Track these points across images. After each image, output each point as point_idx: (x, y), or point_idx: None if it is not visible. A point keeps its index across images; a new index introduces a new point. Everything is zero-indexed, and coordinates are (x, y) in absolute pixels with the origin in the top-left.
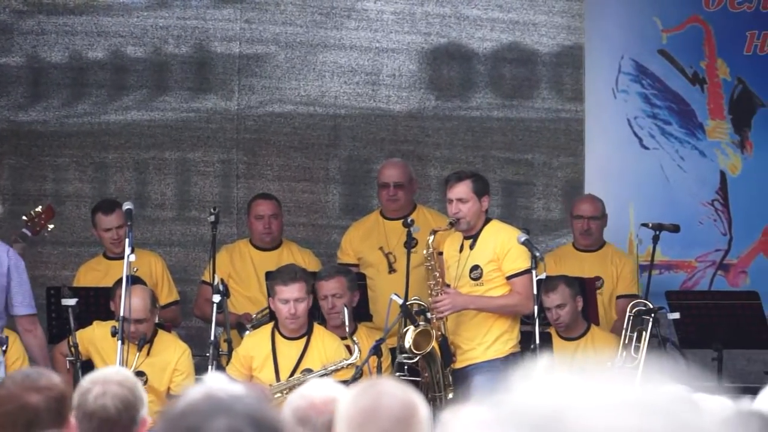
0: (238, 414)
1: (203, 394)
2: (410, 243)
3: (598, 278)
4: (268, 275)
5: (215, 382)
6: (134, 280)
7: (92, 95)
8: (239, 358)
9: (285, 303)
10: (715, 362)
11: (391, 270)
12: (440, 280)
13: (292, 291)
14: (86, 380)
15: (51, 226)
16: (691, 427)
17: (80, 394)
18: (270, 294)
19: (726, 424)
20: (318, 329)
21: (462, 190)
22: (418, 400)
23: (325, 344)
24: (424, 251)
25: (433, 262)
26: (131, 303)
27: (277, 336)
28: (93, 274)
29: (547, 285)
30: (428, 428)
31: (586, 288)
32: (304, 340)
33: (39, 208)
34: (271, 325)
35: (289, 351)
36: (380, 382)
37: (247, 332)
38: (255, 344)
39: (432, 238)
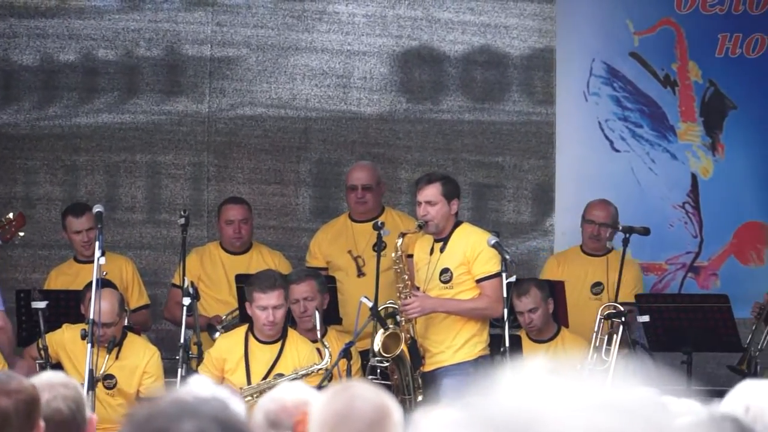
0: (206, 416)
1: (171, 397)
2: (380, 246)
3: (598, 283)
4: (243, 279)
5: (199, 385)
6: (104, 283)
7: (63, 98)
8: (212, 360)
9: (263, 310)
10: (684, 365)
11: (360, 273)
12: (409, 283)
13: (270, 298)
14: None
15: (21, 234)
16: (664, 430)
17: None
18: (246, 299)
19: (699, 428)
20: (292, 334)
21: (431, 192)
22: (391, 403)
23: (299, 349)
24: (393, 254)
25: (401, 265)
26: (100, 306)
27: (251, 339)
28: (64, 277)
29: (518, 289)
30: (401, 431)
31: (555, 290)
32: (278, 345)
33: (11, 215)
34: (245, 327)
35: (262, 355)
36: (353, 385)
37: (218, 334)
38: (228, 346)
39: (400, 241)
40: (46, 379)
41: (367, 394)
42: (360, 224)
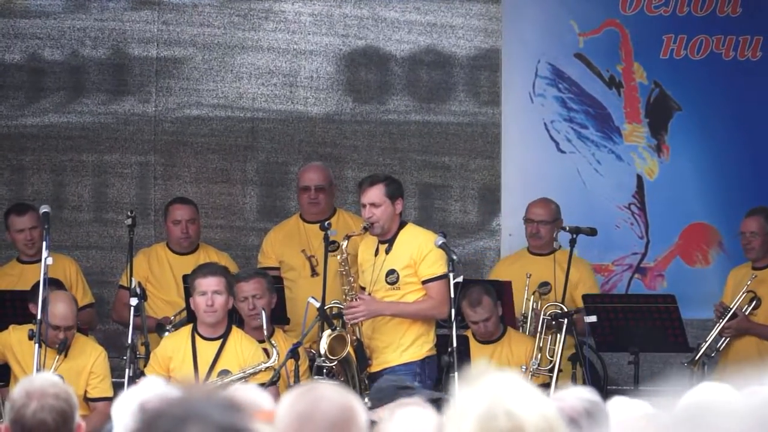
0: (210, 422)
1: (178, 398)
2: (327, 246)
3: (545, 283)
4: (187, 277)
5: (151, 386)
6: (52, 282)
7: (9, 98)
8: (157, 359)
9: (203, 295)
10: (631, 365)
11: (314, 273)
12: (355, 285)
13: (210, 283)
14: (20, 393)
15: None
16: None
17: (16, 409)
18: (189, 294)
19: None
20: (236, 331)
21: (375, 194)
22: (356, 404)
23: (242, 346)
24: (338, 257)
25: (347, 267)
26: (58, 310)
27: (197, 337)
28: (7, 278)
29: (471, 300)
30: None
31: (503, 291)
32: (220, 341)
33: None
34: (190, 326)
35: (206, 351)
36: (318, 386)
37: (166, 333)
38: (174, 345)
39: (346, 243)
40: (39, 385)
41: (332, 395)
42: (312, 225)
